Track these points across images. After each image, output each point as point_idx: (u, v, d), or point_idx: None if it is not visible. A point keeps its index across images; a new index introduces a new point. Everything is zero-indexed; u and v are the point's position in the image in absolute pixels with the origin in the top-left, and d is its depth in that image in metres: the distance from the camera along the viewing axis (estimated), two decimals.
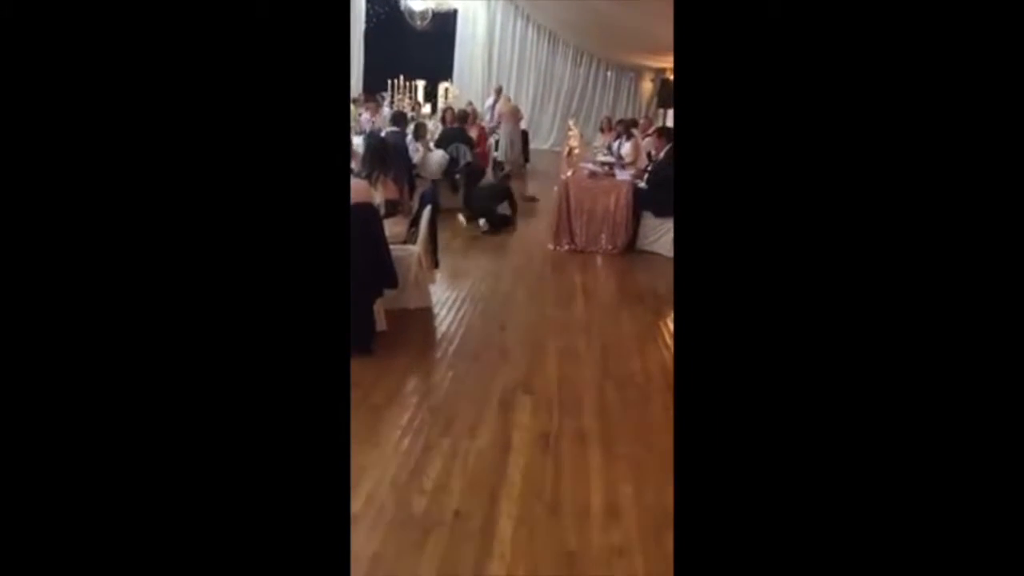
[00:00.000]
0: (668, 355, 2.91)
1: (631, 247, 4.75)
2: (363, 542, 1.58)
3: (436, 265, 3.36)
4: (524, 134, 8.57)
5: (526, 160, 8.48)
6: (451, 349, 2.82)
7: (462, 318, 3.19)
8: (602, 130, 7.55)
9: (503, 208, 5.32)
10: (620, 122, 6.66)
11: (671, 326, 3.31)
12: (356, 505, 1.71)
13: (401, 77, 8.39)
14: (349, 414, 0.91)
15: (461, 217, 5.13)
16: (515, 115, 8.30)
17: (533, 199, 6.27)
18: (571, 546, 1.63)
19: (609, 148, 6.43)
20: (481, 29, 10.98)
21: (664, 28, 7.10)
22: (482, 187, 5.42)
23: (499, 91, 9.40)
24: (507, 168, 7.27)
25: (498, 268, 4.17)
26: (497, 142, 7.68)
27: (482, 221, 5.06)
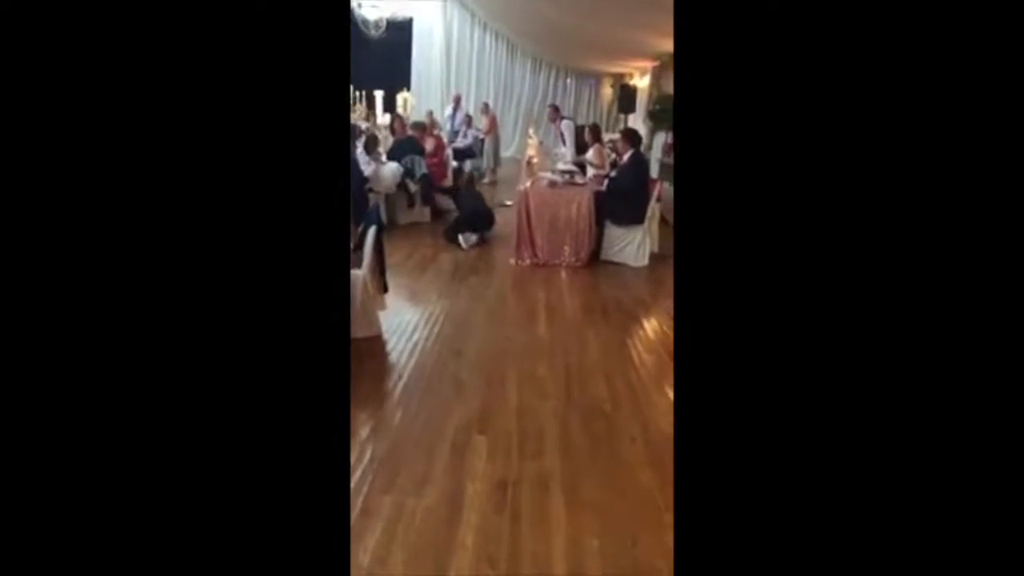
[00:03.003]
0: (636, 377, 2.72)
1: (595, 258, 4.58)
2: None
3: (385, 289, 3.11)
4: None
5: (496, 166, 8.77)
6: (401, 383, 2.57)
7: (414, 346, 2.94)
8: (551, 119, 7.33)
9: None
10: (587, 127, 6.47)
11: (638, 344, 3.13)
12: None
13: (351, 89, 8.17)
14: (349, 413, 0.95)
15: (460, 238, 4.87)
16: (495, 126, 8.33)
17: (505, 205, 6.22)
18: None
19: (562, 139, 6.33)
20: (438, 38, 10.78)
21: (623, 33, 7.01)
22: (471, 207, 5.18)
23: (458, 100, 9.22)
24: (486, 178, 7.28)
25: (456, 287, 3.94)
26: (457, 151, 7.47)
27: (474, 237, 4.86)
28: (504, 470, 1.97)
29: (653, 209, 4.53)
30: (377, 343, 2.95)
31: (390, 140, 6.08)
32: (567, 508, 1.79)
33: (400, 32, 10.32)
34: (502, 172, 8.70)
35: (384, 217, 5.33)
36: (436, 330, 3.16)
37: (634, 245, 4.56)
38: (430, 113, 8.33)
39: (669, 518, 1.74)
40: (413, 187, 5.42)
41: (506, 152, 10.19)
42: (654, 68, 8.46)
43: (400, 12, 9.94)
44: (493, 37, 10.87)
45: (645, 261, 4.55)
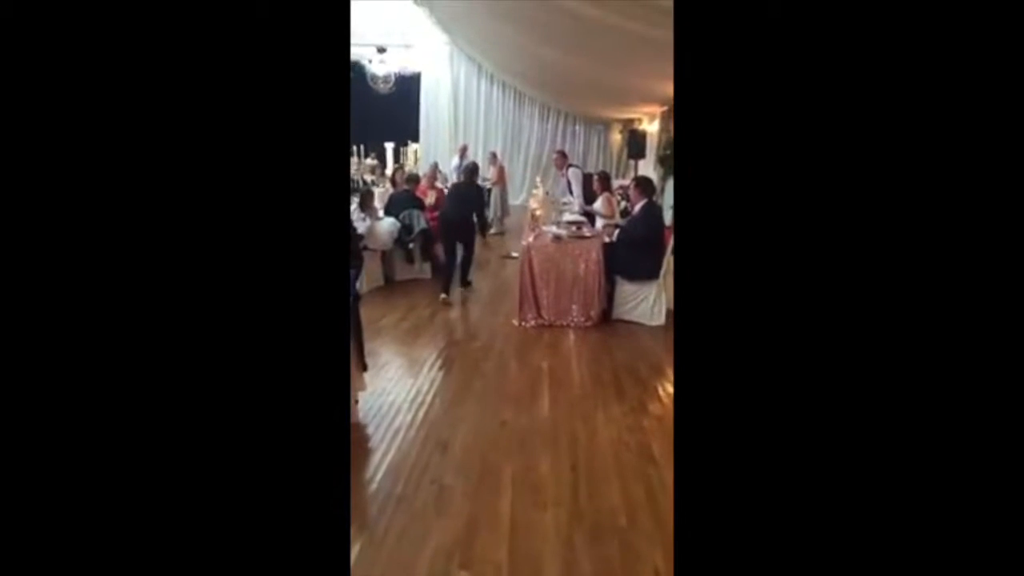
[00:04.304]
0: (655, 475, 2.26)
1: (606, 317, 4.17)
2: None
3: (365, 368, 2.73)
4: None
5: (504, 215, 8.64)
6: (371, 490, 2.14)
7: (393, 436, 2.53)
8: (558, 167, 6.90)
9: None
10: (596, 175, 6.13)
11: (657, 428, 2.67)
12: None
13: (363, 147, 8.20)
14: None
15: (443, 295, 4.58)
16: (503, 176, 8.22)
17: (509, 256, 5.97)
18: None
19: (570, 188, 6.04)
20: (445, 89, 10.80)
21: (632, 80, 6.82)
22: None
23: (464, 150, 9.08)
24: (493, 228, 7.05)
25: (450, 354, 3.54)
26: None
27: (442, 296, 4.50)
28: None
29: (668, 263, 4.14)
30: (354, 432, 2.54)
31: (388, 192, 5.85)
32: None
33: (409, 86, 10.40)
34: (510, 221, 8.44)
35: (381, 274, 5.04)
36: (422, 413, 2.74)
37: (649, 302, 4.15)
38: (434, 165, 8.17)
39: None
40: (412, 244, 5.12)
41: (515, 200, 9.97)
42: (663, 112, 8.24)
43: (409, 67, 10.02)
44: (500, 87, 10.85)
45: (662, 320, 4.12)
